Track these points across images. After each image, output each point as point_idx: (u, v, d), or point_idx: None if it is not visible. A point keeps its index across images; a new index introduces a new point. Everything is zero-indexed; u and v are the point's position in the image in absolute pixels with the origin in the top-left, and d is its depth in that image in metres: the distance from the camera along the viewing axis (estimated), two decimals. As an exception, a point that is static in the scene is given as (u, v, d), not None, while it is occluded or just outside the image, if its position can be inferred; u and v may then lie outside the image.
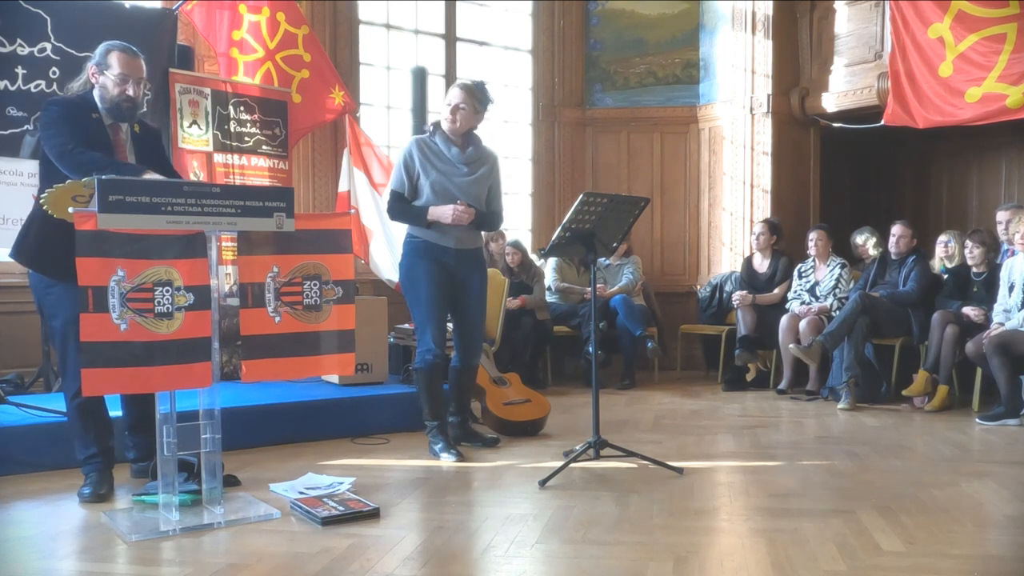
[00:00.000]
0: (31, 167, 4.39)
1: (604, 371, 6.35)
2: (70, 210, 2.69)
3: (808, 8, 6.95)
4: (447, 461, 3.78)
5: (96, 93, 3.23)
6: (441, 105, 3.88)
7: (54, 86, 4.60)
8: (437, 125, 3.90)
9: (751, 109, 6.96)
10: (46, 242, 3.12)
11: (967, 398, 5.38)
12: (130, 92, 3.19)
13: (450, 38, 7.02)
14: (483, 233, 6.44)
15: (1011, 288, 5.02)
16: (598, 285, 4.62)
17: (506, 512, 3.14)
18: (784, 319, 5.99)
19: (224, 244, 4.51)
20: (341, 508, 2.95)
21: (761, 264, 6.44)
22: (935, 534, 2.78)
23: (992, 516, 3.05)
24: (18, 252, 3.26)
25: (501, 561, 2.57)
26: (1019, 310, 4.92)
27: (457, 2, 7.02)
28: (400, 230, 6.03)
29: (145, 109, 3.35)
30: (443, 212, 3.73)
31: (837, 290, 5.97)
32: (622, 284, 6.40)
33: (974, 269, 5.46)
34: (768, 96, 6.87)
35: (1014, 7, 5.46)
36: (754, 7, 6.92)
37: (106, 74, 3.19)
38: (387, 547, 2.65)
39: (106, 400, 3.26)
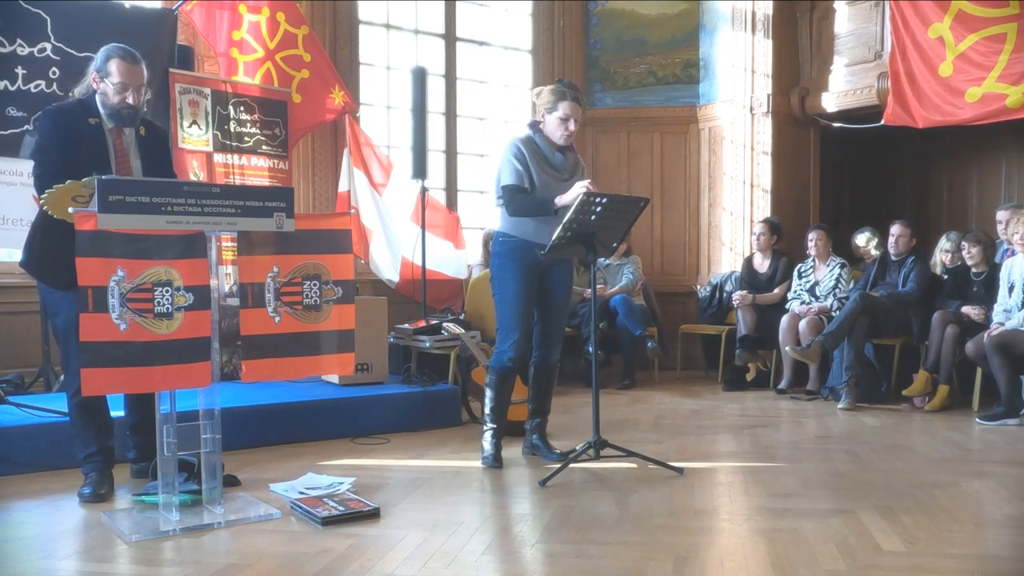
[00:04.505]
0: (31, 167, 4.39)
1: (604, 371, 6.35)
2: (70, 210, 2.70)
3: (808, 8, 6.95)
4: (482, 465, 3.76)
5: (98, 98, 3.23)
6: (544, 114, 3.70)
7: (54, 86, 4.60)
8: (536, 128, 3.76)
9: (751, 109, 6.96)
10: (46, 253, 3.15)
11: (967, 398, 5.37)
12: (130, 100, 3.19)
13: (450, 38, 7.02)
14: (484, 232, 6.50)
15: (1011, 288, 5.02)
16: (598, 285, 4.62)
17: (506, 512, 3.15)
18: (784, 319, 5.99)
19: (224, 244, 4.51)
20: (341, 508, 2.95)
21: (761, 264, 6.44)
22: (935, 534, 2.78)
23: (992, 516, 3.05)
24: (26, 262, 3.29)
25: (501, 561, 2.57)
26: (1019, 310, 4.92)
27: (457, 2, 7.02)
28: (400, 230, 6.09)
29: (146, 110, 3.35)
30: (570, 193, 3.54)
31: (837, 290, 5.97)
32: (622, 284, 6.40)
33: (973, 269, 5.46)
34: (768, 96, 6.87)
35: (1014, 7, 5.45)
36: (754, 7, 6.92)
37: (106, 81, 3.19)
38: (387, 547, 2.65)
39: (108, 400, 3.26)
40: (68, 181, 2.90)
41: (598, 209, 3.47)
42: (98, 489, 3.17)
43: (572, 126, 3.69)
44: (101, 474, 3.22)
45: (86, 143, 3.16)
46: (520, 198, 3.66)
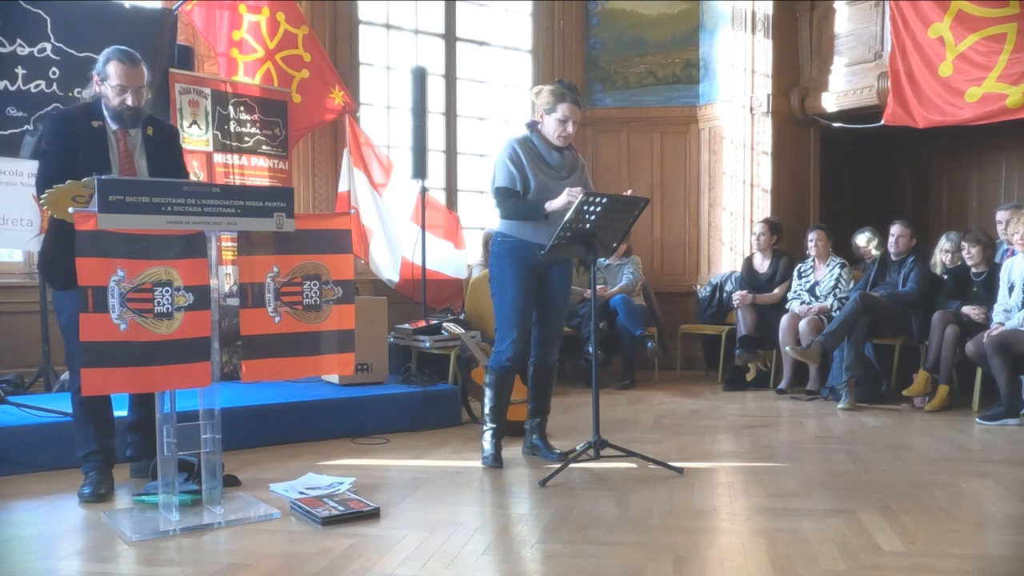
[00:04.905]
0: (31, 167, 4.38)
1: (604, 371, 6.35)
2: (70, 210, 2.70)
3: (808, 8, 6.95)
4: (482, 465, 3.76)
5: (102, 101, 3.26)
6: (543, 114, 3.70)
7: (54, 86, 4.59)
8: (534, 128, 3.77)
9: (751, 109, 6.96)
10: (50, 254, 3.20)
11: (967, 398, 5.37)
12: (129, 102, 3.20)
13: (450, 38, 7.02)
14: (484, 232, 6.50)
15: (1011, 288, 5.02)
16: (598, 285, 4.62)
17: (506, 512, 3.15)
18: (784, 319, 5.99)
19: (224, 244, 4.51)
20: (341, 508, 2.95)
21: (761, 264, 6.45)
22: (935, 534, 2.78)
23: (992, 516, 3.05)
24: (38, 263, 3.40)
25: (501, 561, 2.57)
26: (1019, 310, 4.91)
27: (457, 2, 7.02)
28: (400, 230, 6.09)
29: (148, 110, 3.36)
30: (559, 199, 3.56)
31: (837, 290, 5.97)
32: (622, 284, 6.40)
33: (973, 269, 5.46)
34: (768, 96, 6.87)
35: (1014, 7, 5.45)
36: (754, 7, 6.92)
37: (106, 84, 3.21)
38: (387, 547, 2.65)
39: (112, 400, 3.26)
40: (68, 181, 2.91)
41: (597, 210, 3.47)
42: (98, 489, 3.17)
43: (570, 128, 3.70)
44: (101, 473, 3.22)
45: (85, 146, 3.18)
46: (511, 201, 3.68)
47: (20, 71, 4.52)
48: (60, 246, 3.10)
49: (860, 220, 7.08)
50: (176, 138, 3.53)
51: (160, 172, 3.25)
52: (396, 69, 6.70)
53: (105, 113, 3.24)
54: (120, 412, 3.38)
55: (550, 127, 3.71)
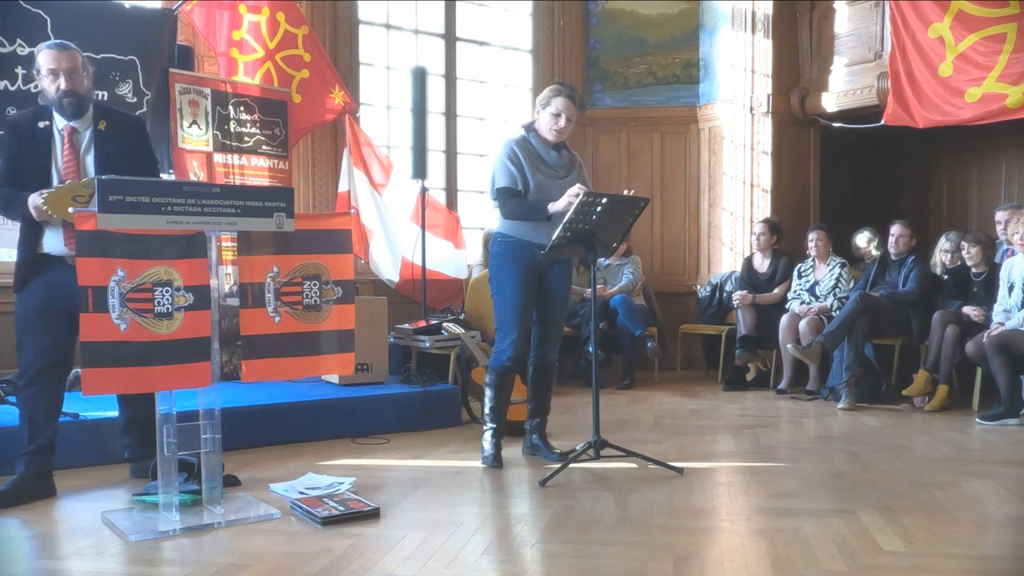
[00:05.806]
0: None
1: (604, 371, 6.35)
2: (70, 210, 2.71)
3: (808, 8, 6.95)
4: (482, 465, 3.76)
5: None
6: (539, 111, 3.72)
7: (54, 86, 4.59)
8: (531, 128, 3.79)
9: (751, 109, 6.96)
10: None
11: (967, 398, 5.37)
12: (63, 85, 3.11)
13: (450, 38, 7.02)
14: (484, 232, 6.50)
15: (1011, 288, 5.02)
16: (598, 285, 4.62)
17: (506, 512, 3.15)
18: (784, 319, 5.99)
19: (224, 244, 4.51)
20: (341, 508, 2.95)
21: (761, 264, 6.45)
22: (935, 534, 2.78)
23: (992, 516, 3.05)
24: None
25: (501, 561, 2.57)
26: (1019, 310, 4.92)
27: (457, 2, 7.02)
28: (400, 230, 6.09)
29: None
30: (561, 201, 3.55)
31: (837, 290, 5.97)
32: (622, 284, 6.40)
33: (973, 269, 5.46)
34: (768, 96, 6.87)
35: (1014, 7, 5.46)
36: (754, 7, 6.92)
37: (39, 76, 3.16)
38: (387, 547, 2.65)
39: (53, 408, 3.22)
40: (68, 181, 2.92)
41: (598, 209, 3.48)
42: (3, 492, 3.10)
43: (563, 122, 3.70)
44: (15, 480, 3.14)
45: (31, 147, 3.13)
46: (514, 202, 3.68)
47: (20, 71, 4.52)
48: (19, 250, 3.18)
49: (860, 220, 7.08)
50: (137, 129, 3.38)
51: (112, 167, 3.09)
52: (396, 69, 6.70)
53: (53, 111, 3.17)
54: (111, 413, 3.39)
55: (544, 121, 3.72)
